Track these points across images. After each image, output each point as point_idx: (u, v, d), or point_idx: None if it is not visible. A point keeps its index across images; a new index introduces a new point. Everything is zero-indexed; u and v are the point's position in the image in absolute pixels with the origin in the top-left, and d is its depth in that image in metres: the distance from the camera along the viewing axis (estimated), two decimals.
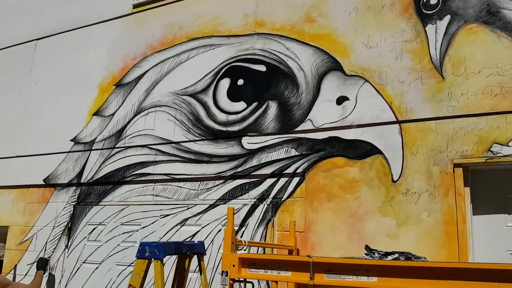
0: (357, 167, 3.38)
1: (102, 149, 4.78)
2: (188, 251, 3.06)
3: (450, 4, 3.31)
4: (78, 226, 4.65)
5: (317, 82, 3.71)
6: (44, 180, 5.08)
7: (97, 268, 4.37)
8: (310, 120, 3.64)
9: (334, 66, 3.68)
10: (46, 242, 4.80)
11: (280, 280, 2.34)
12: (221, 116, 4.10)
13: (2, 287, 3.59)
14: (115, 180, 4.58)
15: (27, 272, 4.81)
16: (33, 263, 4.75)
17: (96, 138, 4.87)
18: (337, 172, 3.43)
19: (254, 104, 3.95)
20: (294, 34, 3.94)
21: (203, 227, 3.94)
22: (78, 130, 5.03)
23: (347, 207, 3.33)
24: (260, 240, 3.57)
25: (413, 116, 3.29)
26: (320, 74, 3.72)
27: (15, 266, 4.94)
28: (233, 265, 2.42)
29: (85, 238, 4.56)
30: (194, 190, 4.07)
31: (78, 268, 4.49)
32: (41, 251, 4.79)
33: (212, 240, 3.85)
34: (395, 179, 3.24)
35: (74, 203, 4.77)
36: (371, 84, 3.51)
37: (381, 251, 2.54)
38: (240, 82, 4.09)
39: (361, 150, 3.40)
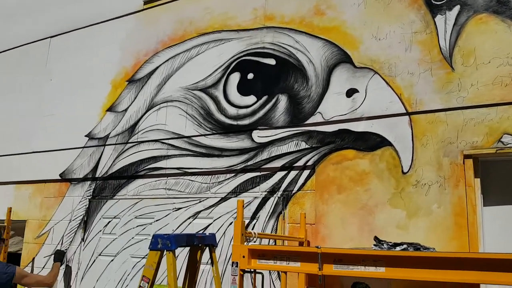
0: (367, 159, 3.38)
1: (115, 144, 4.86)
2: (200, 243, 3.12)
3: None
4: (93, 219, 4.75)
5: (326, 75, 3.72)
6: (60, 175, 5.19)
7: (112, 260, 4.47)
8: (320, 113, 3.66)
9: (344, 58, 3.69)
10: (63, 236, 4.91)
11: (289, 271, 2.38)
12: (232, 110, 4.13)
13: (20, 279, 3.70)
14: (128, 174, 4.66)
15: (45, 265, 4.93)
16: (51, 255, 4.87)
17: (109, 133, 4.95)
18: (347, 164, 3.45)
19: (264, 98, 3.97)
20: (303, 27, 3.94)
21: (215, 220, 3.99)
22: (92, 125, 5.12)
23: (357, 199, 3.34)
24: (271, 233, 3.61)
25: (422, 107, 3.28)
26: (329, 67, 3.72)
27: (33, 259, 5.06)
28: (243, 256, 2.46)
29: (100, 231, 4.65)
30: (206, 183, 4.12)
31: (94, 260, 4.59)
32: (58, 244, 4.90)
33: (224, 232, 3.90)
34: (405, 170, 3.25)
35: (89, 197, 4.87)
36: (380, 76, 3.50)
37: (390, 242, 2.56)
38: (250, 76, 4.11)
39: (371, 142, 3.41)
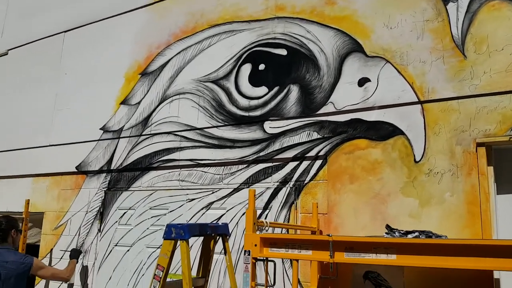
0: (380, 149, 3.38)
1: (129, 136, 4.92)
2: (213, 232, 3.16)
3: None
4: (109, 210, 4.83)
5: (338, 64, 3.71)
6: (76, 168, 5.28)
7: (128, 250, 4.55)
8: (332, 102, 3.66)
9: (355, 47, 3.67)
10: (80, 227, 5.00)
11: (300, 259, 2.41)
12: (243, 102, 4.15)
13: (37, 270, 3.79)
14: (142, 166, 4.72)
15: (62, 256, 5.03)
16: (66, 251, 4.96)
17: (123, 126, 5.01)
18: (359, 154, 3.45)
19: (276, 89, 3.99)
20: (314, 17, 3.93)
21: (227, 211, 4.03)
22: (106, 118, 5.19)
23: (369, 189, 3.35)
24: (283, 223, 3.64)
25: (435, 96, 3.26)
26: (341, 56, 3.71)
27: (51, 250, 5.17)
28: (255, 245, 2.50)
29: (116, 222, 4.73)
30: (218, 174, 4.16)
31: (111, 250, 4.68)
32: (75, 235, 5.00)
33: (237, 223, 3.93)
34: (417, 159, 3.24)
35: (105, 189, 4.95)
36: (392, 65, 3.49)
37: (402, 230, 2.57)
38: (262, 67, 4.13)
39: (383, 132, 3.40)
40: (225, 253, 3.18)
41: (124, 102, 5.10)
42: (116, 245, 4.66)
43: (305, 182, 3.63)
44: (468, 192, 3.00)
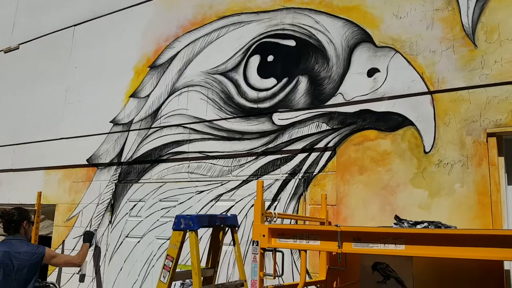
0: (389, 139, 3.36)
1: (139, 129, 4.95)
2: (222, 223, 3.18)
3: None
4: (120, 202, 4.87)
5: (347, 55, 3.69)
6: (87, 160, 5.33)
7: (138, 242, 4.59)
8: (341, 93, 3.64)
9: (364, 38, 3.64)
10: (91, 218, 5.06)
11: (308, 249, 2.41)
12: (252, 93, 4.15)
13: (49, 259, 3.85)
14: (152, 158, 4.75)
15: (74, 247, 5.10)
16: (80, 236, 5.03)
17: (133, 119, 5.04)
18: (368, 145, 3.43)
19: (284, 80, 3.97)
20: (323, 7, 3.91)
21: (236, 202, 4.04)
22: (116, 111, 5.22)
23: (379, 180, 3.33)
24: (292, 214, 3.64)
25: (445, 86, 3.23)
26: (350, 47, 3.69)
27: (63, 241, 5.24)
28: (263, 235, 2.51)
29: (127, 214, 4.78)
30: (227, 166, 4.17)
31: (121, 242, 4.73)
32: (87, 226, 5.06)
33: (246, 214, 3.95)
34: (427, 150, 3.21)
35: (115, 181, 4.99)
36: (401, 55, 3.46)
37: (411, 221, 2.56)
38: (270, 58, 4.11)
39: (392, 122, 3.38)
40: (234, 244, 3.20)
41: (133, 95, 5.12)
42: (127, 237, 4.71)
43: (314, 173, 3.63)
44: (479, 182, 2.97)
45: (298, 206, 3.65)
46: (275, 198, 3.79)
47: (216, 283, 3.19)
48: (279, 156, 3.86)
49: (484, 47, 3.11)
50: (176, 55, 4.82)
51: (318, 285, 3.28)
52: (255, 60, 4.20)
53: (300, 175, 3.70)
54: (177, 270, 2.96)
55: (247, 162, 4.05)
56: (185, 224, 2.89)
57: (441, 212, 3.06)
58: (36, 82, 6.35)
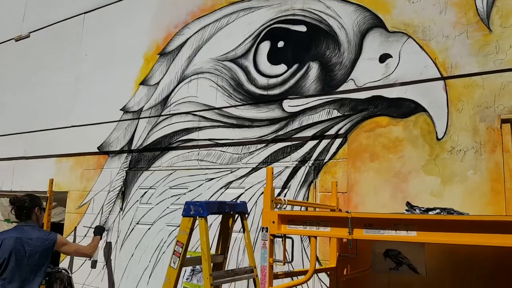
0: (401, 126, 3.31)
1: (149, 117, 4.95)
2: (231, 210, 3.17)
3: None
4: (130, 190, 4.90)
5: (359, 40, 3.63)
6: (98, 148, 5.36)
7: (149, 228, 4.61)
8: (353, 79, 3.59)
9: (376, 23, 3.58)
10: (103, 205, 5.10)
11: (319, 235, 2.39)
12: (262, 80, 4.12)
13: (60, 246, 3.88)
14: (162, 146, 4.75)
15: (86, 233, 5.15)
16: (90, 227, 5.07)
17: (143, 106, 5.04)
18: (380, 131, 3.39)
19: (295, 66, 3.93)
20: None
21: (246, 190, 4.03)
22: (126, 99, 5.23)
23: (390, 167, 3.29)
24: (302, 201, 3.62)
25: (458, 71, 3.17)
26: (362, 32, 3.63)
27: (75, 228, 5.29)
28: (273, 222, 2.49)
29: (137, 201, 4.80)
30: (237, 154, 4.16)
31: (132, 229, 4.76)
32: (98, 213, 5.10)
33: (256, 202, 3.94)
34: (439, 137, 3.16)
35: (126, 168, 5.01)
36: (414, 40, 3.39)
37: (422, 207, 2.53)
38: (281, 44, 4.07)
39: (404, 109, 3.33)
40: (243, 231, 3.19)
41: (143, 82, 5.12)
42: (137, 223, 4.74)
43: (325, 161, 3.60)
44: (492, 169, 2.92)
45: (308, 193, 3.63)
46: (285, 185, 3.77)
47: (226, 269, 3.19)
48: (289, 143, 3.83)
49: (499, 31, 3.03)
50: (186, 42, 4.79)
51: (328, 272, 3.27)
52: (265, 46, 4.16)
53: (311, 162, 3.67)
54: (187, 256, 2.96)
55: (256, 150, 4.03)
56: (195, 211, 2.88)
57: (454, 199, 3.02)
58: (47, 70, 6.37)
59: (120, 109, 5.25)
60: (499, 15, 3.05)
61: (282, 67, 4.01)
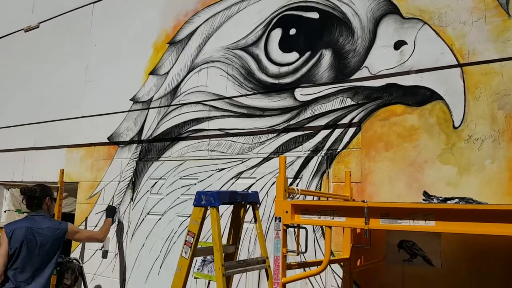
0: (416, 114, 3.23)
1: (159, 107, 4.91)
2: (243, 200, 3.12)
3: None
4: (141, 180, 4.87)
5: (373, 27, 3.54)
6: (108, 138, 5.34)
7: (160, 219, 4.59)
8: (367, 67, 3.51)
9: (391, 9, 3.49)
10: (113, 196, 5.08)
11: (333, 225, 2.34)
12: (273, 69, 4.05)
13: (72, 234, 3.88)
14: (172, 136, 4.71)
15: (97, 224, 5.14)
16: (102, 211, 5.07)
17: (153, 96, 5.00)
18: (395, 120, 3.31)
19: (307, 54, 3.85)
20: None
21: (257, 180, 3.98)
22: (136, 89, 5.19)
23: (405, 156, 3.22)
24: (315, 190, 3.56)
25: (475, 58, 3.08)
26: (376, 19, 3.54)
27: (86, 218, 5.30)
28: (286, 212, 2.44)
29: (147, 191, 4.78)
30: (248, 144, 4.11)
31: (143, 219, 4.74)
32: (109, 203, 5.08)
33: (267, 192, 3.89)
34: (456, 125, 3.08)
35: (136, 159, 4.99)
36: (430, 27, 3.30)
37: (440, 197, 2.46)
38: (292, 31, 3.99)
39: (420, 97, 3.25)
40: (255, 221, 3.15)
41: (153, 72, 5.07)
42: (148, 214, 4.72)
43: (338, 150, 3.53)
44: (510, 158, 2.84)
45: (321, 183, 3.57)
46: (297, 175, 3.71)
47: (237, 260, 3.15)
48: (301, 132, 3.77)
49: None
50: (196, 30, 4.73)
51: (342, 263, 3.23)
52: (276, 34, 4.08)
53: (323, 152, 3.61)
54: (198, 246, 2.92)
55: (268, 140, 3.98)
56: (206, 200, 2.84)
57: (470, 189, 2.95)
58: (57, 61, 6.36)
59: (130, 99, 5.22)
60: None
61: (294, 55, 3.93)
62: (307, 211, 2.40)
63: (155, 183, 4.73)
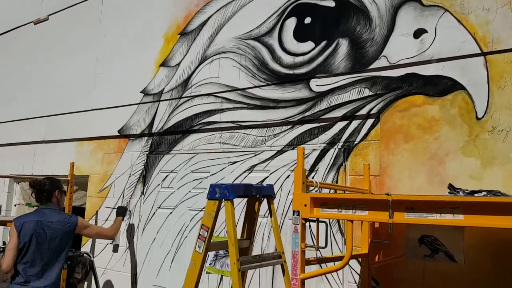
0: (438, 105, 3.12)
1: (170, 99, 4.83)
2: (258, 193, 3.03)
3: None
4: (152, 174, 4.80)
5: (391, 15, 3.42)
6: (118, 131, 5.27)
7: (171, 213, 4.52)
8: (385, 56, 3.39)
9: None
10: (124, 189, 5.02)
11: (356, 219, 2.24)
12: (287, 59, 3.94)
13: (82, 229, 3.81)
14: (183, 129, 4.63)
15: (108, 217, 5.08)
16: (112, 208, 5.01)
17: (163, 88, 4.92)
18: (415, 111, 3.20)
19: (323, 43, 3.74)
20: None
21: (271, 173, 3.89)
22: (146, 81, 5.11)
23: (426, 148, 3.11)
24: (333, 183, 3.46)
25: (500, 46, 2.95)
26: (394, 6, 3.42)
27: (96, 212, 5.24)
28: (305, 205, 2.35)
29: (158, 185, 4.71)
30: (261, 136, 4.01)
31: (154, 213, 4.67)
32: (120, 197, 5.02)
33: (281, 186, 3.80)
34: (479, 116, 2.96)
35: (147, 152, 4.91)
36: (451, 14, 3.17)
37: (466, 190, 2.35)
38: (308, 20, 3.87)
39: (441, 87, 3.12)
40: (270, 215, 3.06)
41: (163, 64, 4.99)
42: (159, 208, 4.65)
43: (355, 142, 3.42)
44: None
45: (337, 177, 3.47)
46: (312, 168, 3.61)
47: (252, 255, 3.06)
48: (317, 124, 3.66)
49: None
50: (207, 20, 4.63)
51: (360, 259, 3.13)
52: (291, 23, 3.97)
53: (340, 144, 3.50)
54: (212, 241, 2.84)
55: (282, 132, 3.88)
56: (220, 193, 2.75)
57: (494, 182, 2.83)
58: (66, 53, 6.29)
59: (140, 92, 5.14)
60: None
61: (309, 45, 3.82)
62: (326, 204, 2.30)
63: (166, 176, 4.66)
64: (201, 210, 4.25)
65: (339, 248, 3.35)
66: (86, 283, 5.03)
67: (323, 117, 3.63)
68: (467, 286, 2.82)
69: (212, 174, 4.29)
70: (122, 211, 4.66)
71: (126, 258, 4.82)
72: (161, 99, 4.91)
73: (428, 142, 3.11)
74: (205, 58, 4.58)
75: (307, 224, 2.39)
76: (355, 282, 3.24)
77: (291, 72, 3.89)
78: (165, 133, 4.79)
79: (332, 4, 3.75)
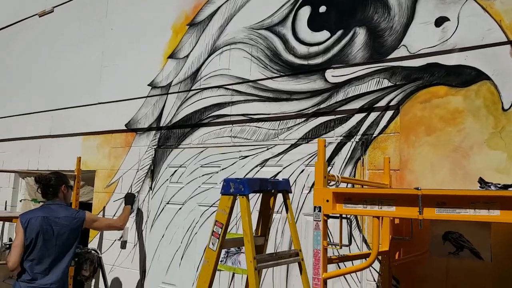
0: (461, 96, 2.97)
1: (178, 92, 4.71)
2: (273, 188, 2.90)
3: None
4: (160, 168, 4.69)
5: (411, 3, 3.28)
6: (125, 125, 5.15)
7: (180, 208, 4.41)
8: (405, 46, 3.25)
9: None
10: (132, 184, 4.91)
11: (382, 216, 2.12)
12: (302, 49, 3.80)
13: (90, 223, 3.70)
14: (192, 123, 4.51)
15: (115, 213, 4.98)
16: (121, 198, 4.90)
17: (172, 81, 4.80)
18: (437, 102, 3.06)
19: (339, 33, 3.60)
20: None
21: (284, 168, 3.77)
22: (154, 74, 4.99)
23: (449, 141, 2.97)
24: (353, 178, 3.33)
25: None
26: None
27: (104, 207, 5.13)
28: (327, 200, 2.22)
29: (167, 180, 4.59)
30: (274, 130, 3.89)
31: (163, 208, 4.56)
32: (128, 192, 4.91)
33: (295, 180, 3.67)
34: (506, 107, 2.82)
35: (155, 146, 4.80)
36: (475, 1, 3.03)
37: (498, 184, 2.22)
38: (322, 9, 3.73)
39: (465, 77, 2.98)
40: (286, 211, 2.93)
41: (171, 56, 4.86)
42: (168, 203, 4.54)
43: (374, 135, 3.29)
44: None
45: (355, 171, 3.34)
46: (328, 163, 3.48)
47: (268, 252, 2.94)
48: (332, 117, 3.53)
49: None
50: (217, 10, 4.49)
51: (379, 257, 3.00)
52: (305, 12, 3.83)
53: (358, 137, 3.37)
54: (226, 238, 2.72)
55: (296, 125, 3.75)
56: (235, 188, 2.62)
57: None
58: (72, 46, 6.18)
59: (148, 85, 5.02)
60: None
61: (324, 34, 3.68)
62: (350, 200, 2.18)
63: (175, 171, 4.54)
64: (211, 206, 4.14)
65: (357, 246, 3.23)
66: (94, 280, 4.93)
67: (339, 109, 3.50)
68: (493, 284, 2.70)
69: (222, 169, 4.17)
70: (130, 199, 4.56)
71: (135, 255, 4.72)
72: (170, 92, 4.79)
73: (451, 134, 2.97)
74: (214, 50, 4.45)
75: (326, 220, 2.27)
76: (374, 281, 3.11)
77: (305, 62, 3.76)
78: (174, 127, 4.67)
79: None
